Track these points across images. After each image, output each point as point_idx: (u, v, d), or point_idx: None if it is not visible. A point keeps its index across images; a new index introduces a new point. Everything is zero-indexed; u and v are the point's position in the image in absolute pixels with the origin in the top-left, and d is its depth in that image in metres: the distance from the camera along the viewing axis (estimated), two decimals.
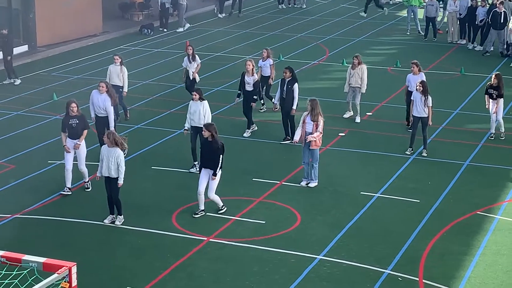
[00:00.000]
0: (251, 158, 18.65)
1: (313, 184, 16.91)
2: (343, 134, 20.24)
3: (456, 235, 14.65)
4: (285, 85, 19.39)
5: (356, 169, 18.03)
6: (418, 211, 15.69)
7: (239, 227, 14.92)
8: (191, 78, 22.05)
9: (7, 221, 15.12)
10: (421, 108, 18.41)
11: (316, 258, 13.68)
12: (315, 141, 16.56)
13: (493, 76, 19.93)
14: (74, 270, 8.12)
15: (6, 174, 17.42)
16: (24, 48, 29.41)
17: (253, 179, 17.28)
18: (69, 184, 16.27)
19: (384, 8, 36.16)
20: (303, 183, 16.95)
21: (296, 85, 19.38)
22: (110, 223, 14.92)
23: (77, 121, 16.11)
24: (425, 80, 19.22)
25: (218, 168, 15.00)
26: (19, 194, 16.44)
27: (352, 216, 15.40)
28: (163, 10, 34.16)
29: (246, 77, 19.79)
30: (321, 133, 16.62)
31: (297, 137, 16.84)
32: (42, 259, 8.19)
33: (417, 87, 18.45)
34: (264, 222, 15.15)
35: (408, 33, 33.04)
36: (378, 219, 15.34)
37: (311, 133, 16.55)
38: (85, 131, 16.20)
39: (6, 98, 23.40)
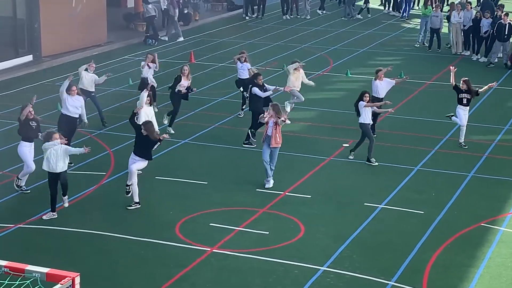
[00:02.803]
0: (254, 168, 18.63)
1: (269, 185, 17.07)
2: (347, 145, 20.22)
3: (460, 247, 14.61)
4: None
5: (360, 180, 18.01)
6: (422, 222, 15.66)
7: (242, 238, 14.90)
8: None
9: (10, 231, 15.12)
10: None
11: (320, 269, 13.65)
12: (275, 139, 16.77)
13: (462, 81, 19.93)
14: (77, 280, 8.10)
15: (9, 183, 17.42)
16: (29, 58, 29.46)
17: (257, 189, 17.27)
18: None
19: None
20: (268, 185, 17.16)
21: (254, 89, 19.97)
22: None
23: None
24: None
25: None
26: (22, 204, 16.44)
27: (356, 227, 15.37)
28: (148, 19, 34.42)
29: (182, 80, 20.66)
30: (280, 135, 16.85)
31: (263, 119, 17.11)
32: (45, 269, 8.17)
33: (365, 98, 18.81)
34: (267, 232, 15.13)
35: (417, 45, 33.03)
36: (382, 231, 15.31)
37: (270, 136, 16.80)
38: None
39: (11, 107, 23.43)
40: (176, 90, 20.62)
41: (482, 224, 15.64)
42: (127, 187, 16.19)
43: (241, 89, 22.37)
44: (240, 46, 32.74)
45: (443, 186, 17.66)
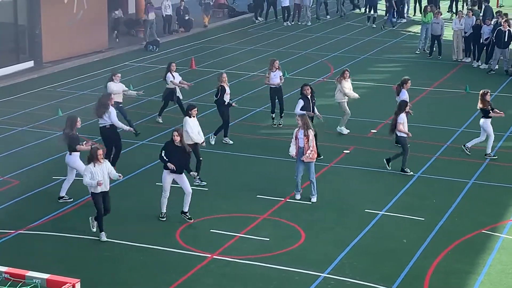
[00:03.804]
0: (255, 174, 18.63)
1: (314, 199, 16.90)
2: (348, 151, 20.23)
3: (461, 254, 14.60)
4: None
5: (361, 187, 18.00)
6: (423, 229, 15.64)
7: (243, 244, 14.89)
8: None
9: (11, 237, 15.11)
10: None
11: (321, 275, 13.63)
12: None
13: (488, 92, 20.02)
14: (78, 286, 8.10)
15: (10, 189, 17.43)
16: (30, 64, 29.50)
17: (258, 195, 17.26)
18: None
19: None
20: (298, 196, 16.98)
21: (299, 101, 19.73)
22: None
23: None
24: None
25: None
26: (23, 210, 16.44)
27: (357, 234, 15.36)
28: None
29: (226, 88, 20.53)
30: (313, 148, 16.63)
31: (293, 151, 16.80)
32: (45, 276, 8.18)
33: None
34: (268, 239, 15.12)
35: (418, 52, 33.02)
36: (383, 237, 15.30)
37: (303, 148, 16.57)
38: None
39: (12, 113, 23.45)
40: (226, 102, 20.38)
41: (483, 231, 15.63)
42: (187, 214, 15.91)
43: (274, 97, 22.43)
44: (241, 52, 32.78)
45: (444, 192, 17.65)
